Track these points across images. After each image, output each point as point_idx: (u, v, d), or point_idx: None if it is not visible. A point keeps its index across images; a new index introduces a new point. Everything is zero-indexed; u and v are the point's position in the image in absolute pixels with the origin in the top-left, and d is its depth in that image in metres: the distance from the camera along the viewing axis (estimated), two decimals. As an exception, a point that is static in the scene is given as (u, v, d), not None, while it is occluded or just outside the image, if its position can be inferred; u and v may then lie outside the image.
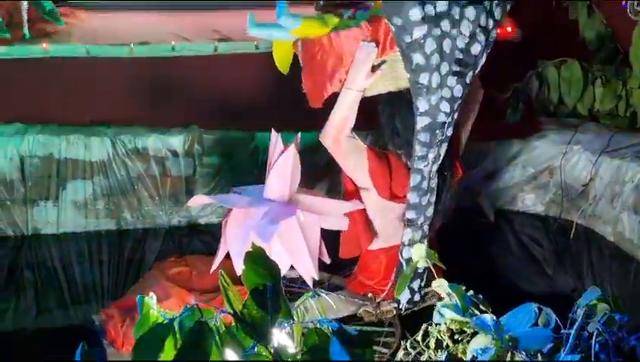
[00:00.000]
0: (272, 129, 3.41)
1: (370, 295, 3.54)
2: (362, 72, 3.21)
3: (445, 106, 3.20)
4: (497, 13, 3.23)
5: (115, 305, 3.54)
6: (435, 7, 3.07)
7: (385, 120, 3.51)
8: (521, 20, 4.98)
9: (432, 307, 2.46)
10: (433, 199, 3.42)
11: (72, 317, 4.14)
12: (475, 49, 3.20)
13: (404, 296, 3.44)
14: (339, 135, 3.31)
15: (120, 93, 4.74)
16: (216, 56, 4.82)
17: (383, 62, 3.24)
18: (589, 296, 2.22)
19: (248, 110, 4.68)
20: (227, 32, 4.99)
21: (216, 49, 4.81)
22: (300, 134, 3.42)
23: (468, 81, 3.23)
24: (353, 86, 3.24)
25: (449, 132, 3.29)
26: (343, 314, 3.44)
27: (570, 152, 4.77)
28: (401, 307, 3.48)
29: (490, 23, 3.22)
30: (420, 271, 3.42)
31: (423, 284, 3.47)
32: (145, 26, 5.13)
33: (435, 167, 3.35)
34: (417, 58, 3.10)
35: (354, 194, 3.49)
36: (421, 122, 3.22)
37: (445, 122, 3.23)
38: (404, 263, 3.43)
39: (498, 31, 3.32)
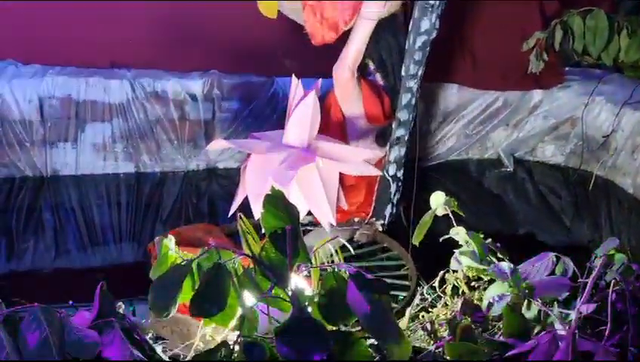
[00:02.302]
0: (293, 74, 3.40)
1: (356, 219, 3.63)
2: (376, 1, 3.39)
3: (438, 23, 3.46)
4: None
5: None
6: None
7: (370, 49, 3.62)
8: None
9: (447, 253, 2.47)
10: (415, 114, 3.70)
11: (90, 259, 4.17)
12: None
13: (389, 210, 3.74)
14: (354, 67, 3.42)
15: (140, 36, 4.71)
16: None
17: None
18: (607, 246, 2.21)
19: (269, 55, 4.65)
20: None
21: (238, -8, 4.76)
22: (320, 80, 3.42)
23: None
24: (370, 15, 3.40)
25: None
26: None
27: (592, 103, 4.72)
28: (386, 223, 3.78)
29: None
30: (399, 186, 3.74)
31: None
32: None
33: (419, 84, 3.60)
34: None
35: (339, 124, 3.58)
36: (419, 41, 3.46)
37: (434, 38, 3.50)
38: (390, 180, 3.68)
39: None
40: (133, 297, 3.14)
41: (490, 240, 2.46)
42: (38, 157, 4.64)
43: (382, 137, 3.68)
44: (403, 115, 3.60)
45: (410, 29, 3.50)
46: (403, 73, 3.56)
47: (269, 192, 1.96)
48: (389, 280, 3.53)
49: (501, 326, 2.02)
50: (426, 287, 2.63)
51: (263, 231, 1.95)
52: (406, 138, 3.67)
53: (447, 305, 2.42)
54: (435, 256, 2.58)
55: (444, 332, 2.18)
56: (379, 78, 3.67)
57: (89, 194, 4.61)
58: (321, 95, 3.50)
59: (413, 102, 3.60)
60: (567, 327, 1.91)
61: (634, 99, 4.60)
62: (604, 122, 4.68)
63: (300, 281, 2.21)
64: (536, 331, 2.00)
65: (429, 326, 2.20)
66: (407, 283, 3.53)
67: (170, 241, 2.13)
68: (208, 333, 2.25)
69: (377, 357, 1.84)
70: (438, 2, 3.38)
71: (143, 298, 1.84)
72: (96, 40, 4.69)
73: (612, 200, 4.60)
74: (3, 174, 4.64)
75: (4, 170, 4.64)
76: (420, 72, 3.54)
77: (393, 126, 3.67)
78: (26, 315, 1.72)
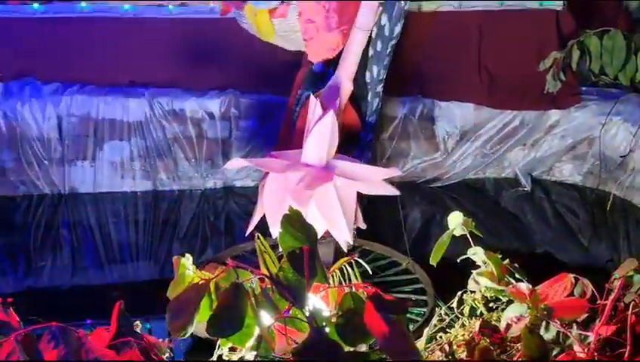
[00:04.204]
0: (311, 94, 3.42)
1: None
2: (372, 11, 3.41)
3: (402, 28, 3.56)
4: None
5: None
6: None
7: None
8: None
9: (465, 274, 2.47)
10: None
11: (107, 276, 4.18)
12: None
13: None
14: (352, 76, 3.47)
15: (158, 55, 4.75)
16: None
17: None
18: (626, 266, 2.20)
19: (286, 74, 4.66)
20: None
21: (255, 12, 4.78)
22: (339, 99, 3.42)
23: None
24: (364, 26, 3.43)
25: None
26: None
27: (609, 123, 4.71)
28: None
29: None
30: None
31: None
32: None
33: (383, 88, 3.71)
34: None
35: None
36: (389, 46, 3.53)
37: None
38: None
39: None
40: (150, 315, 3.15)
41: (507, 260, 2.45)
42: (57, 175, 4.67)
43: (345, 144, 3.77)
44: (372, 119, 3.72)
45: (375, 34, 3.54)
46: (369, 79, 3.63)
47: (287, 212, 1.96)
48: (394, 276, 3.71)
49: (520, 347, 2.01)
50: (443, 308, 2.62)
51: (281, 250, 1.95)
52: (373, 141, 3.86)
53: (464, 326, 2.41)
54: (452, 276, 2.57)
55: (462, 354, 2.17)
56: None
57: (107, 212, 4.64)
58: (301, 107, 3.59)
59: (380, 105, 3.74)
60: (586, 349, 1.90)
61: (651, 118, 4.59)
62: (622, 142, 4.67)
63: (318, 301, 2.20)
64: (554, 353, 1.99)
65: (447, 347, 2.19)
66: (415, 275, 3.64)
67: (187, 260, 2.13)
68: (225, 353, 2.25)
69: (395, 378, 1.83)
70: (406, 8, 3.52)
71: (160, 316, 1.84)
72: (115, 59, 4.73)
73: (630, 220, 4.58)
74: (21, 191, 4.68)
75: (23, 188, 4.68)
76: (384, 76, 3.64)
77: (362, 131, 3.76)
78: (44, 334, 1.72)
